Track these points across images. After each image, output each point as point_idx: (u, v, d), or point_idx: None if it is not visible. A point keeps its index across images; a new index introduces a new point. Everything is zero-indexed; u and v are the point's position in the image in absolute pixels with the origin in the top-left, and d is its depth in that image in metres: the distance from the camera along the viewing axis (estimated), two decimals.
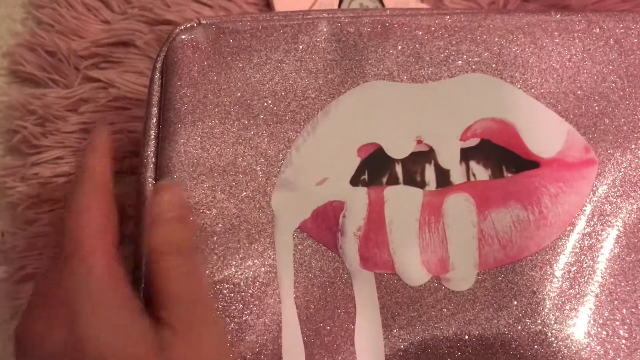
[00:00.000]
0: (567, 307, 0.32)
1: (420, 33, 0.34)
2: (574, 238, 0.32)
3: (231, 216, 0.32)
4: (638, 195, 0.33)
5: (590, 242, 0.32)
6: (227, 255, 0.32)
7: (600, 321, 0.32)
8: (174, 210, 0.30)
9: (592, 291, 0.32)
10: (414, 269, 0.32)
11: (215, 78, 0.33)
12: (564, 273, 0.32)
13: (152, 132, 0.33)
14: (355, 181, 0.33)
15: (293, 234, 0.32)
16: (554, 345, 0.31)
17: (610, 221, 0.33)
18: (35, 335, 0.27)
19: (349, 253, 0.32)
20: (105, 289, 0.27)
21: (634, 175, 0.33)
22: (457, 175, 0.33)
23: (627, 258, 0.32)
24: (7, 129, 0.41)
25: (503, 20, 0.34)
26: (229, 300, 0.31)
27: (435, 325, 0.32)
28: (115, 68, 0.41)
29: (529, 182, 0.32)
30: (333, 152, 0.33)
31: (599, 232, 0.32)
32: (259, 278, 0.32)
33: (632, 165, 0.33)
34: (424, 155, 0.33)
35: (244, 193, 0.32)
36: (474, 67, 0.33)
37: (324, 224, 0.32)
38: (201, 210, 0.32)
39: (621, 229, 0.33)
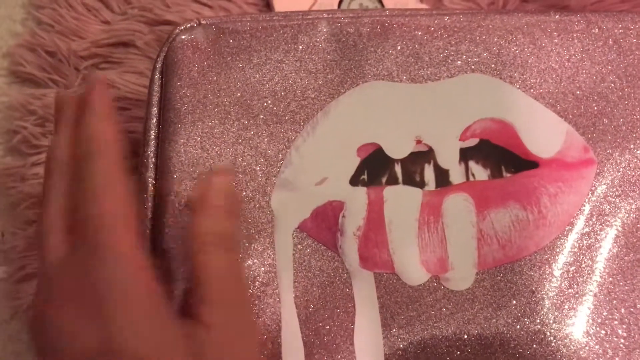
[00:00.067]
0: (566, 307, 0.32)
1: (419, 33, 0.34)
2: (572, 238, 0.32)
3: None
4: (637, 195, 0.33)
5: (589, 241, 0.32)
6: None
7: (599, 320, 0.32)
8: (223, 198, 0.28)
9: (591, 291, 0.32)
10: (413, 269, 0.32)
11: (215, 78, 0.34)
12: (563, 273, 0.32)
13: (152, 132, 0.34)
14: (354, 181, 0.33)
15: (293, 234, 0.32)
16: (553, 344, 0.31)
17: (609, 221, 0.33)
18: (63, 335, 0.24)
19: (348, 253, 0.32)
20: (138, 290, 0.25)
21: (633, 175, 0.33)
22: (457, 175, 0.33)
23: (626, 258, 0.32)
24: (7, 129, 0.41)
25: (502, 20, 0.34)
26: None
27: (435, 324, 0.32)
28: (115, 68, 0.42)
29: (528, 182, 0.32)
30: (332, 152, 0.33)
31: (598, 232, 0.32)
32: (258, 278, 0.32)
33: (630, 165, 0.33)
34: (424, 155, 0.33)
35: (244, 193, 0.33)
36: (473, 67, 0.34)
37: (324, 224, 0.32)
38: None
39: (620, 228, 0.33)
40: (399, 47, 0.34)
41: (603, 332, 0.32)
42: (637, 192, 0.33)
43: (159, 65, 0.34)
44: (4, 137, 0.41)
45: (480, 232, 0.32)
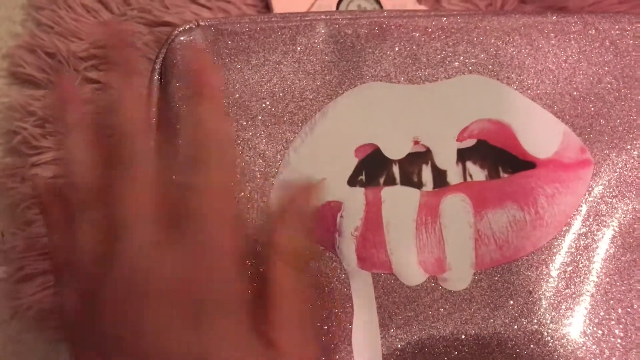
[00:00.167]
0: (563, 307, 0.32)
1: (417, 34, 0.34)
2: (569, 238, 0.32)
3: None
4: (633, 196, 0.33)
5: (586, 242, 0.32)
6: None
7: (596, 320, 0.32)
8: (309, 217, 0.27)
9: (588, 291, 0.32)
10: (411, 269, 0.32)
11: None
12: (560, 273, 0.32)
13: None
14: (352, 182, 0.33)
15: None
16: (550, 344, 0.31)
17: (605, 221, 0.33)
18: (145, 334, 0.23)
19: (346, 253, 0.32)
20: (237, 299, 0.24)
21: (630, 176, 0.33)
22: (454, 175, 0.33)
23: (623, 258, 0.33)
24: (7, 130, 0.41)
25: (499, 21, 0.34)
26: None
27: (432, 324, 0.32)
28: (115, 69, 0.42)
29: (525, 182, 0.32)
30: (330, 153, 0.33)
31: (595, 232, 0.33)
32: None
33: (627, 166, 0.33)
34: (421, 156, 0.33)
35: (242, 194, 0.33)
36: (470, 68, 0.34)
37: (322, 225, 0.32)
38: None
39: (617, 229, 0.33)
40: (396, 49, 0.34)
41: (600, 332, 0.32)
42: (634, 192, 0.33)
43: (157, 66, 0.34)
44: (4, 138, 0.42)
45: (478, 233, 0.32)
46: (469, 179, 0.33)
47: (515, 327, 0.32)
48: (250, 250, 0.26)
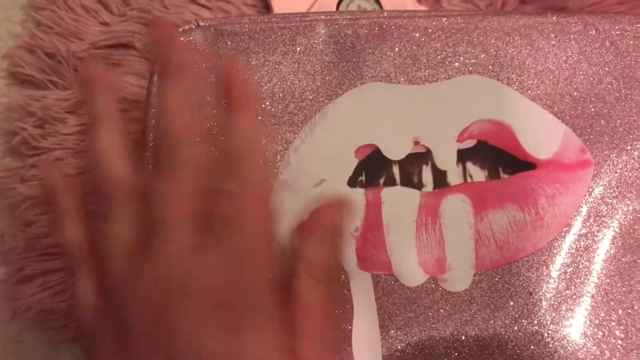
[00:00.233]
0: (564, 308, 0.32)
1: (417, 35, 0.34)
2: (570, 239, 0.32)
3: None
4: (634, 197, 0.33)
5: (586, 243, 0.32)
6: None
7: (597, 322, 0.32)
8: (334, 233, 0.27)
9: (588, 292, 0.32)
10: (411, 270, 0.32)
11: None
12: (560, 274, 0.32)
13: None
14: (352, 182, 0.33)
15: None
16: (550, 345, 0.31)
17: (606, 222, 0.33)
18: (187, 334, 0.23)
19: (346, 254, 0.32)
20: (276, 305, 0.24)
21: (630, 177, 0.33)
22: (454, 176, 0.33)
23: (623, 259, 0.33)
24: (7, 131, 0.41)
25: (500, 22, 0.34)
26: None
27: (432, 325, 0.32)
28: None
29: (526, 183, 0.32)
30: (330, 154, 0.33)
31: (595, 233, 0.32)
32: None
33: (627, 167, 0.33)
34: (421, 157, 0.33)
35: None
36: (470, 68, 0.34)
37: None
38: None
39: (617, 230, 0.33)
40: (396, 49, 0.34)
41: (600, 333, 0.32)
42: (634, 193, 0.33)
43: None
44: (4, 139, 0.41)
45: (478, 234, 0.32)
46: (469, 179, 0.33)
47: (516, 328, 0.32)
48: (278, 260, 0.26)
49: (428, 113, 0.33)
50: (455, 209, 0.32)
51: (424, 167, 0.33)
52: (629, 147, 0.33)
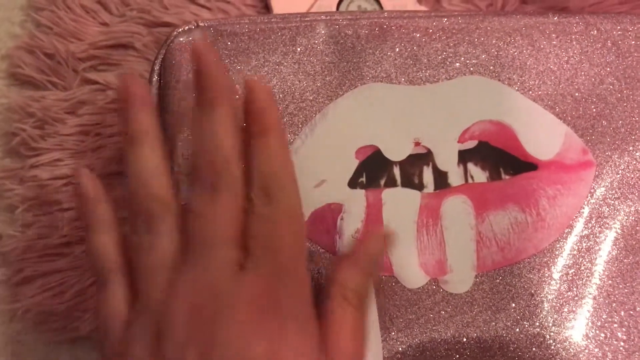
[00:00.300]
0: (565, 310, 0.32)
1: (417, 35, 0.34)
2: (571, 240, 0.32)
3: None
4: (636, 197, 0.33)
5: (588, 244, 0.32)
6: None
7: (599, 323, 0.32)
8: (373, 264, 0.29)
9: (590, 293, 0.32)
10: (412, 272, 0.32)
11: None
12: (562, 275, 0.32)
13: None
14: (353, 183, 0.33)
15: None
16: (552, 347, 0.31)
17: (608, 223, 0.33)
18: (232, 339, 0.24)
19: None
20: (313, 317, 0.26)
21: (632, 177, 0.33)
22: (455, 177, 0.33)
23: (625, 260, 0.32)
24: (6, 132, 0.41)
25: (500, 22, 0.34)
26: None
27: (433, 327, 0.32)
28: (114, 70, 0.41)
29: (527, 184, 0.32)
30: (331, 155, 0.33)
31: (597, 235, 0.32)
32: None
33: (629, 167, 0.33)
34: (422, 158, 0.33)
35: None
36: (471, 69, 0.34)
37: (322, 227, 0.32)
38: None
39: (619, 231, 0.33)
40: (397, 49, 0.34)
41: (602, 335, 0.32)
42: (636, 194, 0.33)
43: (157, 67, 0.34)
44: (3, 139, 0.41)
45: (479, 235, 0.32)
46: (470, 180, 0.33)
47: (517, 330, 0.31)
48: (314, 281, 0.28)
49: (429, 114, 0.33)
50: (456, 210, 0.32)
51: (425, 168, 0.33)
52: (630, 148, 0.33)
